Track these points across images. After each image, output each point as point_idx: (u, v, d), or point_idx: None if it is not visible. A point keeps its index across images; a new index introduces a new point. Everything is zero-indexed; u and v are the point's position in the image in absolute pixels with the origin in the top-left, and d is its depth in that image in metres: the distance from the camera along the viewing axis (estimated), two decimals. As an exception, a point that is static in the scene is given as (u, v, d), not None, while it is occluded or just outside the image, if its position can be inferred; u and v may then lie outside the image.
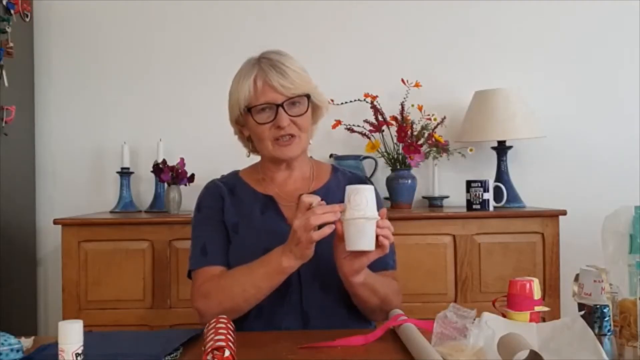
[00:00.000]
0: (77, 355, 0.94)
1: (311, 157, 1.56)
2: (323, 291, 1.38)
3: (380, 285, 1.36)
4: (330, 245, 1.36)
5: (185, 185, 2.44)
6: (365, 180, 1.54)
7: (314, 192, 1.47)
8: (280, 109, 1.37)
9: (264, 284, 1.30)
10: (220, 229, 1.44)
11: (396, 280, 1.47)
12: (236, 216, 1.45)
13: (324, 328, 1.34)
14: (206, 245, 1.42)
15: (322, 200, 1.25)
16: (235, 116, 1.44)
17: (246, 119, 1.42)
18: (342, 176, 1.53)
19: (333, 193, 1.46)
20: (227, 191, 1.48)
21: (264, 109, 1.38)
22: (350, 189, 1.21)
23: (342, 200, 1.46)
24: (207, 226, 1.45)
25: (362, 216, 1.18)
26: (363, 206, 1.18)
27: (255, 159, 1.54)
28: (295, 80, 1.37)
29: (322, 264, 1.36)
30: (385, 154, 2.50)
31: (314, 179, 1.50)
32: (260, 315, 1.38)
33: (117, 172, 2.57)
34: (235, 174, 1.55)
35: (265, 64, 1.38)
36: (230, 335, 1.07)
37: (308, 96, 1.41)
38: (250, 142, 1.49)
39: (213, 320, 1.14)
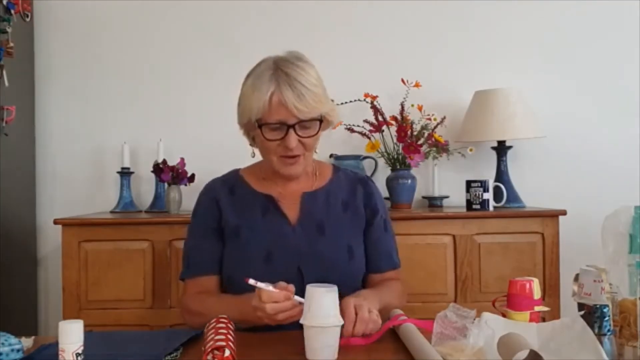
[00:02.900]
0: (77, 355, 0.94)
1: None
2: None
3: (385, 302, 1.35)
4: (332, 246, 1.37)
5: (186, 185, 2.44)
6: (366, 180, 1.54)
7: (316, 192, 1.47)
8: (291, 130, 1.34)
9: (239, 319, 1.28)
10: (211, 238, 1.45)
11: (400, 279, 1.47)
12: (237, 219, 1.44)
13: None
14: (194, 256, 1.45)
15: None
16: (244, 122, 1.41)
17: (255, 130, 1.39)
18: (343, 176, 1.53)
19: (335, 193, 1.49)
20: (226, 191, 1.48)
21: (275, 127, 1.35)
22: (309, 291, 1.09)
23: (344, 199, 1.46)
24: (197, 237, 1.47)
25: (320, 324, 1.06)
26: (322, 312, 1.07)
27: (258, 158, 1.54)
28: (310, 103, 1.33)
29: (325, 264, 1.37)
30: (385, 154, 2.50)
31: (316, 178, 1.50)
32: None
33: (117, 172, 2.57)
34: (235, 173, 1.54)
35: (283, 79, 1.32)
36: (230, 335, 1.07)
37: (320, 119, 1.38)
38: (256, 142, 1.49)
39: (213, 320, 1.15)
